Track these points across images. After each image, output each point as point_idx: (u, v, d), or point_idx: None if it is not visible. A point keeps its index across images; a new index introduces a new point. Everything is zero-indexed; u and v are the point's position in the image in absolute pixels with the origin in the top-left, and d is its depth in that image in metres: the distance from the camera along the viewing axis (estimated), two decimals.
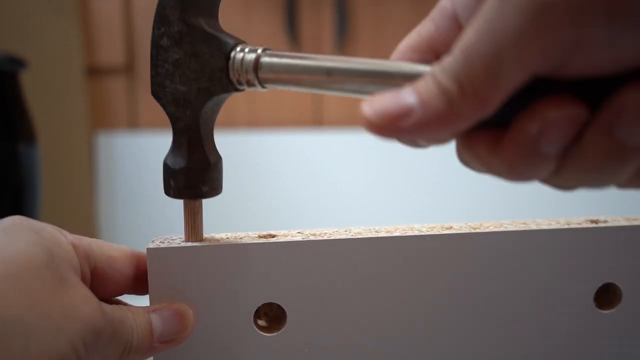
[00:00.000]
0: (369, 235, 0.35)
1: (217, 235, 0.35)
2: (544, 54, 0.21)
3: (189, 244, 0.33)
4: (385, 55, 0.29)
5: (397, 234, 0.35)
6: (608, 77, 0.22)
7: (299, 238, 0.34)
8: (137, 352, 0.31)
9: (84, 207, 1.00)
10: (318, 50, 1.00)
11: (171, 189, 0.31)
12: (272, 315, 0.36)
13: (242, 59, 0.29)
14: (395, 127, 0.23)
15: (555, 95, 0.22)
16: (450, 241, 0.35)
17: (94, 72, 1.01)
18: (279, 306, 0.34)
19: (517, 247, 0.35)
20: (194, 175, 0.31)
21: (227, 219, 0.98)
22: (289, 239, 0.34)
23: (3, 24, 0.90)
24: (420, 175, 0.98)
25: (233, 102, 1.01)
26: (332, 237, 0.34)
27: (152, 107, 1.02)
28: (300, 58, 0.27)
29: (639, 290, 0.37)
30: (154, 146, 0.99)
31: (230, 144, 0.98)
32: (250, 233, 0.35)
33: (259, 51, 0.28)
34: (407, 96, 0.23)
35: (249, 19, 0.99)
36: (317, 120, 1.02)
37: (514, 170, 0.24)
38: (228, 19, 0.98)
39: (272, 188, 1.00)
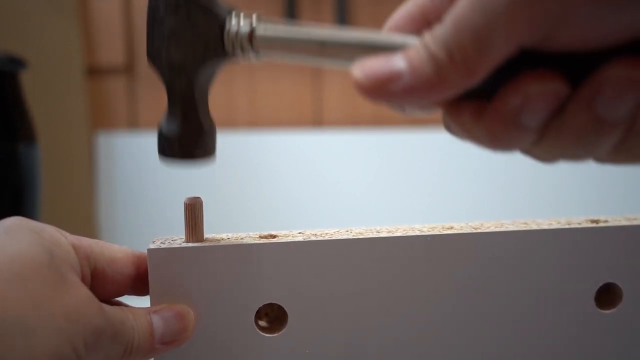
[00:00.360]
0: (370, 235, 0.35)
1: (218, 236, 0.35)
2: (531, 25, 0.22)
3: (190, 244, 0.33)
4: None
5: (398, 234, 0.35)
6: (591, 53, 0.23)
7: (300, 238, 0.34)
8: (138, 353, 0.31)
9: (84, 207, 1.00)
10: None
11: (164, 152, 0.32)
12: (273, 316, 0.36)
13: (237, 30, 0.29)
14: (384, 91, 0.24)
15: (539, 69, 0.23)
16: (451, 241, 0.35)
17: (94, 72, 1.01)
18: (279, 307, 0.34)
19: (518, 247, 0.35)
20: (187, 141, 0.31)
21: (227, 219, 0.98)
22: (290, 239, 0.34)
23: (3, 24, 0.90)
24: (420, 175, 0.98)
25: (233, 102, 1.02)
26: (333, 238, 0.34)
27: (152, 107, 1.02)
28: (295, 30, 0.28)
29: (639, 290, 0.37)
30: (154, 146, 0.99)
31: (230, 144, 0.98)
32: (251, 233, 0.35)
33: (254, 22, 0.29)
34: (397, 61, 0.24)
35: None
36: (317, 120, 1.02)
37: (495, 140, 0.25)
38: None
39: (272, 188, 1.00)
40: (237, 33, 0.29)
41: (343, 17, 0.97)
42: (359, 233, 0.35)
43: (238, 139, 0.99)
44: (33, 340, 0.26)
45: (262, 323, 0.35)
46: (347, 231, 0.35)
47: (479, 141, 0.25)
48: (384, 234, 0.35)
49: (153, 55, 0.31)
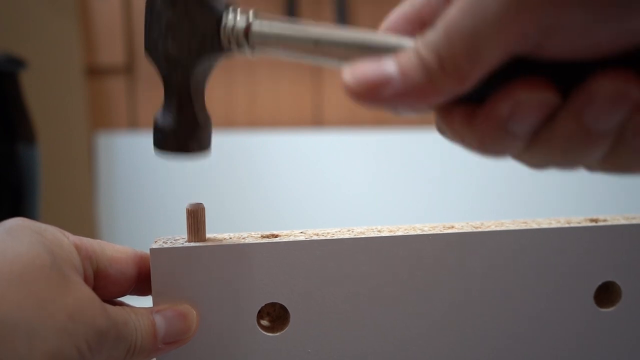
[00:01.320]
0: (372, 234, 0.35)
1: (220, 236, 0.35)
2: (522, 34, 0.22)
3: (192, 244, 0.33)
4: None
5: (399, 233, 0.35)
6: (583, 63, 0.23)
7: (301, 238, 0.34)
8: (141, 353, 0.31)
9: (84, 207, 1.00)
10: None
11: (160, 145, 0.32)
12: (275, 315, 0.36)
13: (234, 25, 0.29)
14: (374, 95, 0.24)
15: (530, 77, 0.23)
16: (452, 240, 0.35)
17: (94, 72, 1.01)
18: (282, 306, 0.35)
19: (518, 246, 0.36)
20: (182, 134, 0.31)
21: (229, 219, 0.98)
22: (291, 238, 0.34)
23: (3, 24, 0.90)
24: (421, 175, 0.98)
25: (233, 102, 1.02)
26: (335, 237, 0.34)
27: (152, 107, 1.02)
28: (291, 28, 0.28)
29: (638, 289, 0.37)
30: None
31: (230, 144, 0.98)
32: (253, 233, 0.35)
33: (250, 18, 0.29)
34: (388, 65, 0.24)
35: None
36: (317, 120, 1.02)
37: (484, 145, 0.25)
38: None
39: (273, 188, 1.00)
40: (233, 28, 0.29)
41: (343, 17, 0.97)
42: (361, 232, 0.35)
43: (238, 138, 0.99)
44: (36, 341, 0.26)
45: (264, 322, 0.36)
46: (349, 231, 0.35)
47: (469, 145, 0.25)
48: (385, 234, 0.35)
49: (150, 48, 0.31)
